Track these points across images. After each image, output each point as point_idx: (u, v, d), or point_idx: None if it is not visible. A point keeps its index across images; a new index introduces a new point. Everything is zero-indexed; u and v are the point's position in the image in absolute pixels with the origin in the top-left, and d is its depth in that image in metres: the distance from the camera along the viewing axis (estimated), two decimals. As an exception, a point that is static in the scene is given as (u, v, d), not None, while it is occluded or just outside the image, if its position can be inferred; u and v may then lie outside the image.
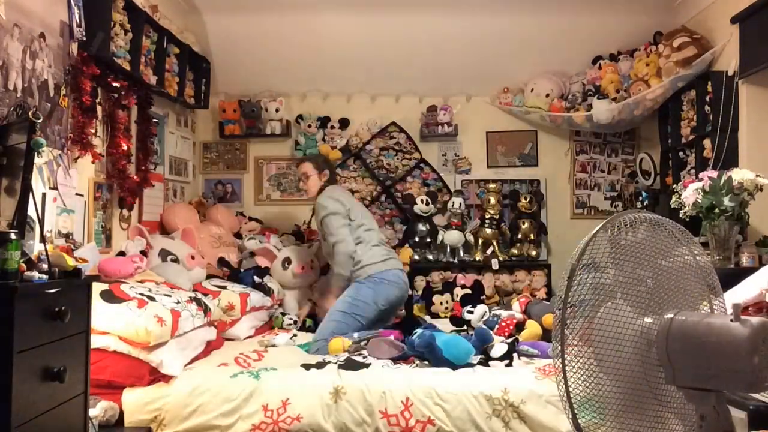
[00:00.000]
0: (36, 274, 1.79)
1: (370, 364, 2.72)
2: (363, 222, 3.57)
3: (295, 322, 3.73)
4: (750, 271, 2.54)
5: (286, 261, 3.97)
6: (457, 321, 3.61)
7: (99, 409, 2.33)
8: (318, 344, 3.19)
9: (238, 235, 4.30)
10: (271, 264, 3.99)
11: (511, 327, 3.31)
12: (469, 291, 4.17)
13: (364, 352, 2.92)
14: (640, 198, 4.39)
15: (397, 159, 4.64)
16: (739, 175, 2.89)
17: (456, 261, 4.44)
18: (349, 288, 3.44)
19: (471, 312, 3.58)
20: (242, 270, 3.86)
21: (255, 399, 2.49)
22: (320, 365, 2.72)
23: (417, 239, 4.43)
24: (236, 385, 2.52)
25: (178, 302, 2.70)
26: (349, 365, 2.69)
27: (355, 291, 3.40)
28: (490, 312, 3.57)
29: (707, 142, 3.49)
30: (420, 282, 4.36)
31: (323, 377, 2.58)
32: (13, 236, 1.68)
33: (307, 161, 3.80)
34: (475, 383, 2.52)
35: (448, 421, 2.45)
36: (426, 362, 2.75)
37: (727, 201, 2.86)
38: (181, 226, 3.70)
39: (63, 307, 1.81)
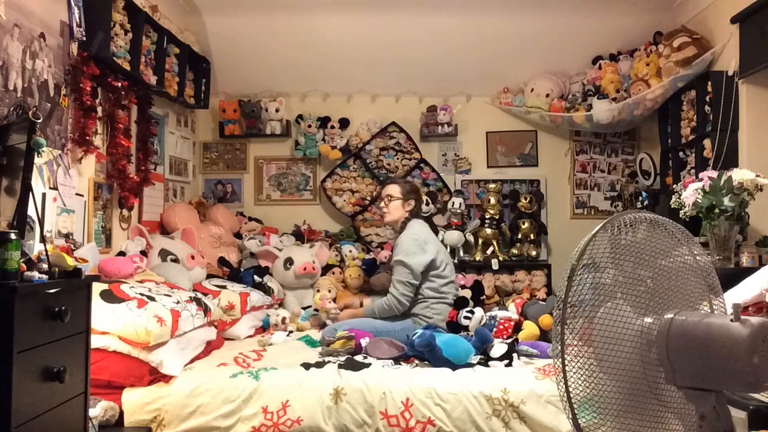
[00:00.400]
0: (36, 274, 1.80)
1: (370, 364, 2.72)
2: (447, 274, 3.37)
3: (284, 320, 3.67)
4: (750, 271, 2.54)
5: (288, 261, 3.96)
6: (454, 326, 3.55)
7: (99, 409, 2.33)
8: (327, 330, 3.20)
9: (238, 235, 4.30)
10: (273, 264, 4.00)
11: (510, 329, 3.30)
12: (467, 292, 4.16)
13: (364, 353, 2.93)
14: (640, 198, 4.39)
15: (397, 159, 4.64)
16: (739, 175, 2.89)
17: (456, 261, 4.44)
18: (399, 320, 3.28)
19: (468, 318, 3.55)
20: (242, 270, 3.86)
21: (255, 400, 2.49)
22: (320, 365, 2.72)
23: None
24: (236, 386, 2.52)
25: (178, 302, 2.70)
26: (349, 365, 2.69)
27: (400, 327, 3.23)
28: (485, 315, 3.55)
29: (707, 142, 3.49)
30: (420, 282, 4.35)
31: (323, 378, 2.58)
32: (13, 236, 1.68)
33: (394, 184, 3.57)
34: (475, 383, 2.52)
35: (448, 421, 2.45)
36: (426, 362, 2.75)
37: (727, 201, 2.86)
38: (181, 226, 3.71)
39: (63, 307, 1.81)
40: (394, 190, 3.52)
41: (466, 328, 3.52)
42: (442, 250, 3.48)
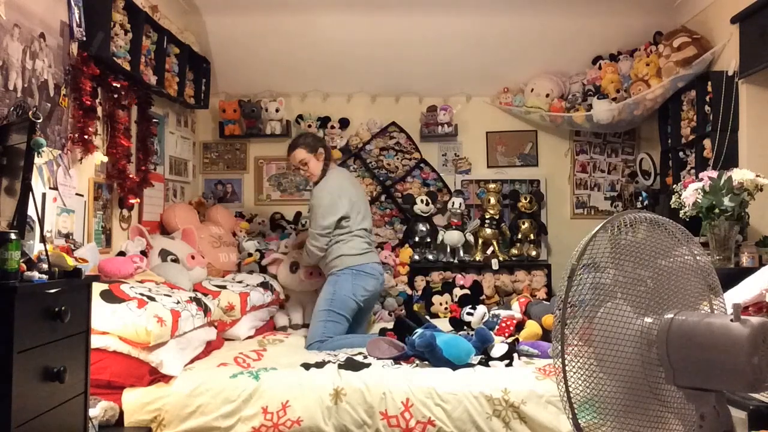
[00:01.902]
0: (36, 274, 1.79)
1: (370, 364, 2.72)
2: (353, 215, 3.45)
3: (287, 326, 3.65)
4: (750, 271, 2.54)
5: (294, 266, 3.89)
6: (456, 323, 3.60)
7: (99, 409, 2.33)
8: (314, 346, 3.19)
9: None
10: (278, 268, 3.96)
11: (512, 327, 3.31)
12: (467, 291, 4.17)
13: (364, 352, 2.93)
14: (640, 198, 4.39)
15: (397, 159, 4.64)
16: (739, 175, 2.89)
17: (456, 261, 4.44)
18: (327, 283, 3.42)
19: (471, 314, 3.57)
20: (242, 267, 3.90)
21: (255, 401, 2.49)
22: (320, 365, 2.72)
23: (417, 239, 4.43)
24: (236, 386, 2.51)
25: (178, 302, 2.70)
26: (349, 365, 2.69)
27: (333, 286, 3.37)
28: (489, 313, 3.57)
29: (707, 142, 3.49)
30: (420, 282, 4.36)
31: (323, 378, 2.58)
32: (13, 236, 1.68)
33: (298, 147, 3.52)
34: (476, 383, 2.51)
35: (449, 421, 2.44)
36: (426, 362, 2.75)
37: (727, 201, 2.86)
38: (181, 226, 3.70)
39: (63, 307, 1.81)
40: (302, 154, 3.51)
41: (468, 324, 3.54)
42: (354, 193, 3.53)
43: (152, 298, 2.60)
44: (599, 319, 1.30)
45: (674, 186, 3.35)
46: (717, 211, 2.89)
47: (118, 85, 3.06)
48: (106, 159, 3.03)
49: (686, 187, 3.09)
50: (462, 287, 4.22)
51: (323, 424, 2.46)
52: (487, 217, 4.45)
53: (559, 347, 1.31)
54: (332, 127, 4.60)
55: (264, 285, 3.69)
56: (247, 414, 2.47)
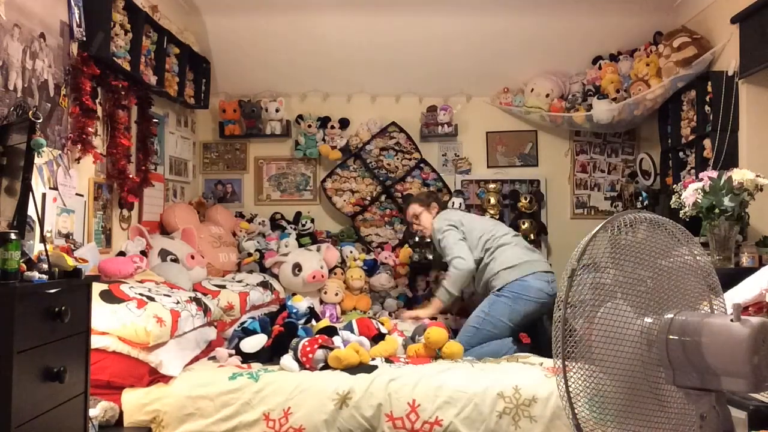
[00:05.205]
0: (36, 274, 1.80)
1: (375, 366, 2.69)
2: (487, 232, 3.45)
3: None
4: (750, 271, 2.54)
5: (296, 267, 3.90)
6: None
7: (99, 410, 2.33)
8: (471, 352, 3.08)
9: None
10: (279, 269, 3.97)
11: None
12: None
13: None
14: (640, 198, 4.38)
15: (397, 159, 4.64)
16: (739, 175, 2.89)
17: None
18: (485, 300, 3.31)
19: None
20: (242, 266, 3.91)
21: (255, 405, 2.47)
22: (322, 366, 2.70)
23: (417, 239, 4.42)
24: (235, 387, 2.50)
25: (178, 302, 2.70)
26: (354, 366, 2.66)
27: (489, 305, 3.25)
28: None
29: (707, 142, 3.49)
30: (420, 282, 4.36)
31: (326, 380, 2.55)
32: (13, 236, 1.68)
33: (412, 203, 3.85)
34: (486, 382, 2.50)
35: (457, 420, 2.42)
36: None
37: (727, 201, 2.86)
38: (181, 226, 3.70)
39: (63, 307, 1.81)
40: (414, 209, 3.80)
41: None
42: (476, 218, 3.71)
43: (152, 299, 2.60)
44: (599, 319, 1.30)
45: (674, 186, 3.35)
46: (717, 211, 2.89)
47: (118, 85, 3.06)
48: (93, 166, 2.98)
49: (686, 187, 3.08)
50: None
51: (325, 426, 2.44)
52: (487, 217, 4.44)
53: (560, 347, 1.31)
54: (332, 127, 4.60)
55: (264, 284, 3.70)
56: (248, 420, 2.45)
